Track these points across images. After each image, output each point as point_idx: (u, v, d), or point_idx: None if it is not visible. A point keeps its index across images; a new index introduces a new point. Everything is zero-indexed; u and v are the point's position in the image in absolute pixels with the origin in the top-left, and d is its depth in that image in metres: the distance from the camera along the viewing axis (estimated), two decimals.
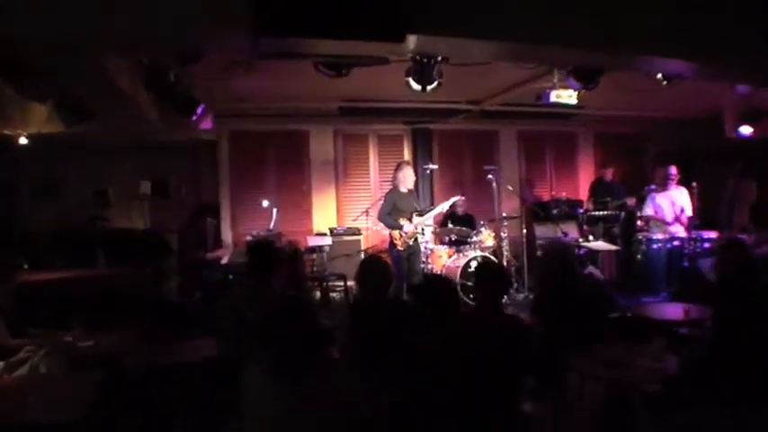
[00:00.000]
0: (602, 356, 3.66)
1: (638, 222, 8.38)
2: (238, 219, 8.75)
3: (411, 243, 7.06)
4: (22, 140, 6.49)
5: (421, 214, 7.20)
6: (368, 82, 6.91)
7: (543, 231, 9.13)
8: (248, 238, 7.62)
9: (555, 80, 6.09)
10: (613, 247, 7.75)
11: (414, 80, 4.40)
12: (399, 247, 6.98)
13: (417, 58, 4.12)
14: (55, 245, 7.39)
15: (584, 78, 5.06)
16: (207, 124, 6.82)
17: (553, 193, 10.14)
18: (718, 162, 9.14)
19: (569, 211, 9.43)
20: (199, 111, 5.90)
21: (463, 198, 7.63)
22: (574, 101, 6.08)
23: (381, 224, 7.18)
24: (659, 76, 5.50)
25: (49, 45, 3.52)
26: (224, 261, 7.11)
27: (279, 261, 3.77)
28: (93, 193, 8.35)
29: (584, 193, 10.23)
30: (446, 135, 9.63)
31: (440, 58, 4.25)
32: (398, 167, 7.15)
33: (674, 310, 4.93)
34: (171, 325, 6.26)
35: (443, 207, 7.29)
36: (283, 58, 3.83)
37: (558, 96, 5.97)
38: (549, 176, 10.44)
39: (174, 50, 3.89)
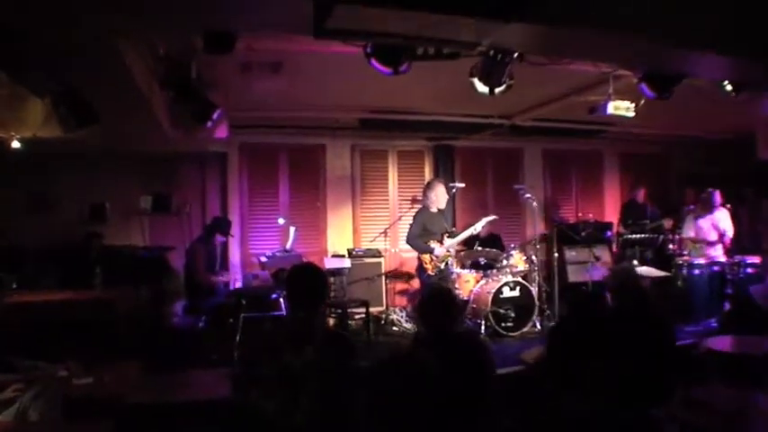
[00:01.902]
0: (710, 404, 3.04)
1: (671, 246, 7.90)
2: (248, 238, 8.08)
3: (442, 267, 6.45)
4: (15, 144, 5.81)
5: (452, 236, 6.59)
6: (393, 92, 6.41)
7: (574, 255, 8.56)
8: (262, 258, 6.94)
9: (610, 90, 5.57)
10: (662, 273, 7.14)
11: (480, 80, 3.79)
12: (430, 272, 6.37)
13: (490, 53, 3.51)
14: (48, 263, 6.69)
15: (659, 86, 4.50)
16: (221, 133, 6.19)
17: (579, 214, 9.60)
18: (747, 184, 8.87)
19: (598, 233, 8.93)
20: (215, 116, 5.33)
21: (496, 218, 7.03)
22: (631, 113, 5.55)
23: (409, 246, 6.60)
24: (728, 86, 5.02)
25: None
26: (237, 284, 6.42)
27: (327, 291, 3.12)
28: (92, 207, 7.65)
29: (610, 215, 9.83)
30: (469, 152, 9.07)
31: (516, 55, 3.64)
32: (430, 185, 6.57)
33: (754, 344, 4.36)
34: (175, 354, 5.71)
35: (476, 228, 6.67)
36: (344, 37, 3.21)
37: (615, 108, 5.43)
38: (574, 197, 9.89)
39: (212, 26, 3.25)
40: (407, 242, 6.49)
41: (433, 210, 6.52)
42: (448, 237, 6.54)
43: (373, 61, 3.52)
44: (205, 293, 6.37)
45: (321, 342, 2.85)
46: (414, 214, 6.66)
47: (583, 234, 8.75)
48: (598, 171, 10.11)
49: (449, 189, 6.82)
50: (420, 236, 6.38)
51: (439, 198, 6.47)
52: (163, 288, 7.20)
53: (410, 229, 6.48)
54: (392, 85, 6.09)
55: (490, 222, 6.87)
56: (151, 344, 5.74)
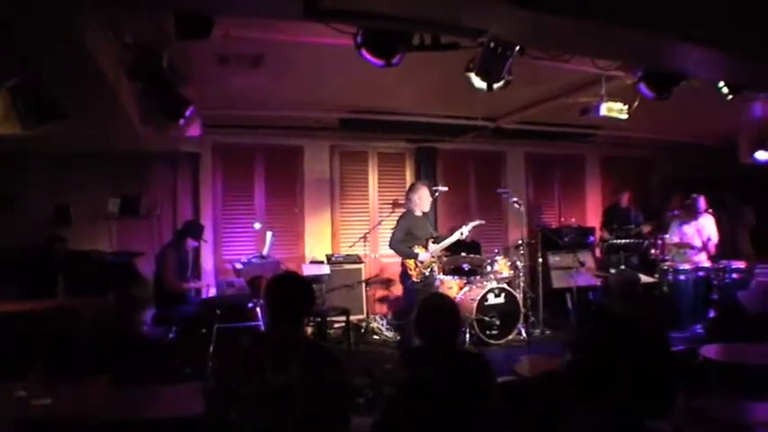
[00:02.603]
0: (712, 415, 2.86)
1: (653, 251, 7.81)
2: (221, 243, 7.70)
3: (427, 273, 6.18)
4: None
5: (437, 241, 6.33)
6: (376, 92, 6.18)
7: (558, 261, 8.38)
8: (237, 265, 6.58)
9: (603, 92, 5.40)
10: (650, 279, 6.98)
11: (477, 75, 3.52)
12: (415, 278, 6.09)
13: (491, 45, 3.25)
14: (7, 269, 6.22)
15: (658, 86, 4.32)
16: (194, 131, 5.82)
17: (562, 219, 9.47)
18: (728, 189, 8.80)
19: (581, 238, 8.82)
20: (188, 113, 4.99)
21: (483, 223, 6.79)
22: (624, 115, 5.43)
23: (392, 252, 6.32)
24: (724, 88, 4.88)
25: None
26: (211, 292, 6.05)
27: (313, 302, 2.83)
28: (55, 209, 7.18)
29: (591, 220, 9.71)
30: (451, 155, 8.84)
31: (517, 48, 3.39)
32: (413, 188, 6.31)
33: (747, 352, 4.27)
34: (145, 366, 5.37)
35: (463, 233, 6.41)
36: (335, 19, 2.91)
37: (609, 110, 5.30)
38: (557, 201, 9.74)
39: (185, 6, 2.92)
40: (390, 247, 6.21)
41: (417, 213, 6.26)
42: (433, 242, 6.28)
43: (364, 52, 3.24)
44: (176, 302, 5.99)
45: (304, 356, 2.59)
46: (397, 218, 6.39)
47: (566, 239, 8.64)
48: (580, 175, 9.98)
49: (432, 192, 6.57)
50: (403, 240, 6.11)
51: (423, 201, 6.22)
52: (131, 295, 6.81)
53: (393, 233, 6.21)
54: (375, 84, 5.89)
55: (476, 227, 6.63)
56: (119, 355, 5.37)
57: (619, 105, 5.43)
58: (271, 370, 2.50)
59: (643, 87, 4.55)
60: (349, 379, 3.68)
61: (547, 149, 9.46)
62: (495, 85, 3.55)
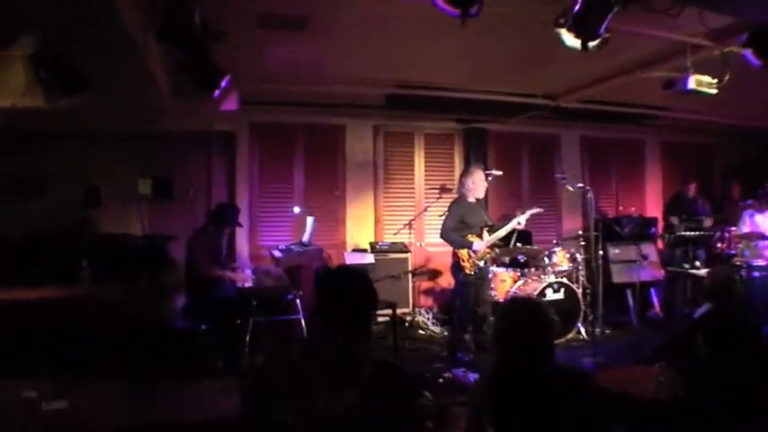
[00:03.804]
0: None
1: (718, 245, 7.11)
2: (257, 228, 7.23)
3: (481, 266, 5.64)
4: None
5: (492, 230, 5.76)
6: (427, 64, 5.63)
7: (618, 254, 7.69)
8: (276, 253, 6.08)
9: (688, 63, 4.74)
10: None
11: (570, 31, 2.94)
12: (468, 270, 5.54)
13: None
14: (30, 254, 5.85)
15: None
16: (231, 104, 5.31)
17: (620, 207, 8.76)
18: None
19: (642, 230, 8.11)
20: (223, 83, 4.51)
21: (542, 211, 6.19)
22: (714, 90, 4.80)
23: (442, 241, 5.77)
24: None
25: None
26: (246, 284, 5.56)
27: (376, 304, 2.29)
28: (85, 191, 6.81)
29: (651, 209, 8.98)
30: (502, 137, 8.21)
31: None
32: (467, 172, 5.77)
33: None
34: (173, 360, 4.99)
35: (521, 221, 5.83)
36: None
37: (697, 83, 4.65)
38: (614, 189, 9.01)
39: None
40: (442, 236, 5.67)
41: (471, 200, 5.72)
42: (488, 231, 5.71)
43: (439, 1, 2.68)
44: (208, 290, 5.51)
45: (369, 380, 2.03)
46: (448, 205, 5.83)
47: (626, 230, 7.95)
48: (639, 161, 9.24)
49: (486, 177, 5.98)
50: (456, 229, 5.57)
51: (477, 186, 5.67)
52: (162, 282, 6.43)
53: (445, 221, 5.66)
54: (426, 56, 5.32)
55: (534, 215, 6.03)
56: (146, 348, 4.98)
57: (707, 78, 4.80)
58: (324, 395, 1.97)
59: (749, 54, 3.89)
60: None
61: (604, 133, 8.78)
62: (591, 44, 2.96)
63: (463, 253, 5.55)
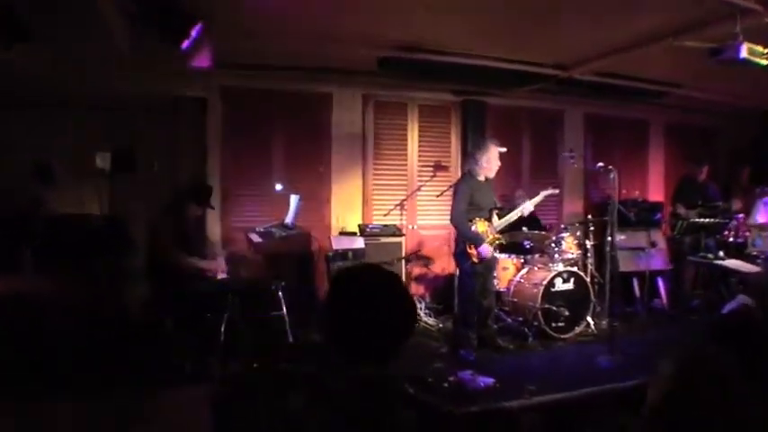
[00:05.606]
0: None
1: (726, 233, 6.65)
2: (231, 207, 6.42)
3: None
4: None
5: (501, 214, 5.11)
6: (426, 23, 4.91)
7: (624, 240, 7.12)
8: (254, 237, 5.31)
9: (737, 29, 4.13)
10: (753, 268, 5.75)
11: None
12: (474, 258, 4.89)
13: None
14: None
15: None
16: (202, 60, 4.44)
17: (624, 191, 8.18)
18: None
19: (647, 215, 7.58)
20: (194, 33, 3.72)
21: (557, 192, 5.55)
22: (765, 61, 4.29)
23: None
24: None
25: None
26: (220, 274, 4.79)
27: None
28: (35, 167, 5.93)
29: (654, 193, 8.46)
30: (502, 111, 7.50)
31: None
32: (482, 147, 5.11)
33: None
34: (136, 362, 4.36)
35: (532, 204, 5.21)
36: None
37: (750, 52, 4.09)
38: (617, 171, 8.41)
39: None
40: (453, 221, 5.02)
41: (480, 178, 5.05)
42: (497, 215, 5.07)
43: None
44: (174, 281, 4.69)
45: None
46: (456, 184, 5.18)
47: (632, 215, 7.40)
48: (643, 142, 8.68)
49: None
50: (466, 212, 4.91)
51: (492, 164, 5.08)
52: (123, 268, 5.64)
53: (456, 204, 5.00)
54: (425, 11, 4.57)
55: (547, 197, 5.39)
56: (102, 348, 4.26)
57: (760, 48, 4.26)
58: None
59: None
60: None
61: (608, 111, 8.16)
62: None
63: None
